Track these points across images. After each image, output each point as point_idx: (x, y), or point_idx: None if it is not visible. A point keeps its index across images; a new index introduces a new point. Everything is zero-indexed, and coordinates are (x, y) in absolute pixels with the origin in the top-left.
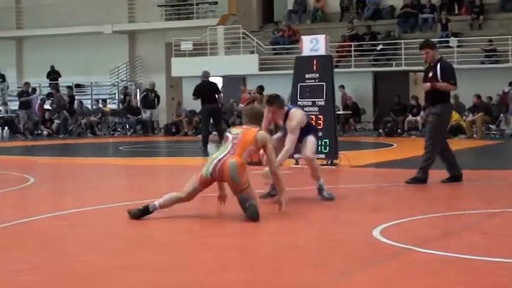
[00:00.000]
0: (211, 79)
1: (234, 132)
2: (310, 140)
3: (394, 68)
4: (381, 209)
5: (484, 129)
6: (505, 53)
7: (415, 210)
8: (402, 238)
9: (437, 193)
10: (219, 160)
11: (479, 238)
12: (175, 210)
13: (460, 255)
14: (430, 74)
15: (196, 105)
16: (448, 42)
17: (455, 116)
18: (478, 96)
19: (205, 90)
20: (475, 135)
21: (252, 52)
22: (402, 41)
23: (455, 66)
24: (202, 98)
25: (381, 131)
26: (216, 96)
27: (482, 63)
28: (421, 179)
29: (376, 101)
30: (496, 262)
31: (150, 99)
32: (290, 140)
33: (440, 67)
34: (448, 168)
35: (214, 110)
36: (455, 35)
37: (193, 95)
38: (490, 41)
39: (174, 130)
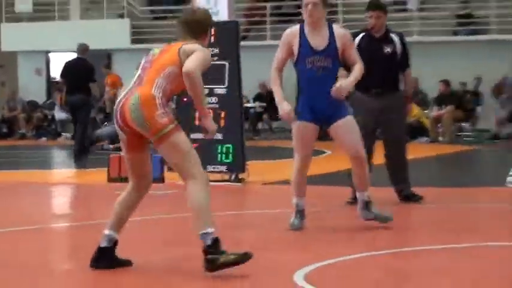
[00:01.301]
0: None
1: (150, 53)
2: (350, 122)
3: None
4: (307, 244)
5: (453, 129)
6: (484, 19)
7: (353, 246)
8: (336, 285)
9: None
10: (119, 101)
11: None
12: None
13: None
14: (389, 50)
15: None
16: (404, 3)
17: (414, 110)
18: (447, 83)
19: (70, 72)
20: (440, 138)
21: (121, 16)
22: None
23: (415, 38)
24: (67, 84)
25: None
26: (89, 83)
27: (455, 34)
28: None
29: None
30: None
31: None
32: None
33: (400, 40)
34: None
35: (78, 103)
36: None
37: (60, 76)
38: (464, 1)
39: (5, 131)
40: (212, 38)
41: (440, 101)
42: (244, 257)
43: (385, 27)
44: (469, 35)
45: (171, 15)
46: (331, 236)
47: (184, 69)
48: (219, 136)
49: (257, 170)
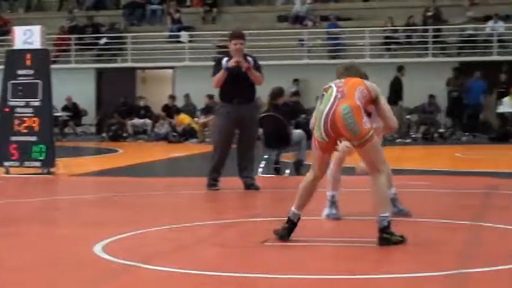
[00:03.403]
0: None
1: (333, 83)
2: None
3: (119, 65)
4: (103, 222)
5: None
6: None
7: (143, 223)
8: (127, 254)
9: (170, 203)
10: (328, 111)
11: (212, 251)
12: None
13: (186, 271)
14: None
15: None
16: (179, 36)
17: (186, 119)
18: (211, 97)
19: None
20: (207, 139)
21: None
22: (129, 34)
23: (187, 63)
24: None
25: (104, 135)
26: None
27: (214, 60)
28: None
29: (99, 101)
30: (220, 276)
31: None
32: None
33: (252, 58)
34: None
35: None
36: (187, 28)
37: None
38: (224, 35)
39: None
40: (28, 61)
41: (207, 110)
42: (403, 239)
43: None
44: None
45: None
46: (125, 215)
47: None
48: (34, 138)
49: (64, 165)
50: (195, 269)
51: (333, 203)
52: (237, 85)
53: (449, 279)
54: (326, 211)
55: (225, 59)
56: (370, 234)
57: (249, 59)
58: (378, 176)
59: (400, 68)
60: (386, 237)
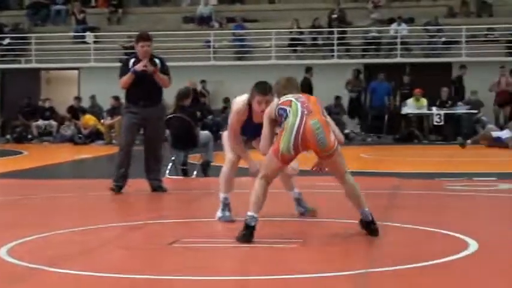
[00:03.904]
0: None
1: (294, 98)
2: None
3: (23, 65)
4: (8, 224)
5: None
6: None
7: (49, 225)
8: (33, 257)
9: (76, 205)
10: (298, 127)
11: (118, 253)
12: None
13: (93, 273)
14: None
15: None
16: (84, 37)
17: (91, 120)
18: (117, 98)
19: None
20: (114, 141)
21: None
22: (33, 34)
23: (92, 64)
24: None
25: (8, 136)
26: None
27: (121, 61)
28: None
29: (2, 102)
30: (129, 278)
31: None
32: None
33: (160, 60)
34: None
35: None
36: (92, 29)
37: None
38: (129, 36)
39: None
40: None
41: (113, 112)
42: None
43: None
44: None
45: None
46: (30, 218)
47: None
48: None
49: None
50: (101, 272)
51: (226, 205)
52: (144, 87)
53: (356, 278)
54: (219, 213)
55: (132, 60)
56: (275, 234)
57: (157, 61)
58: (347, 179)
59: (308, 69)
60: (376, 228)
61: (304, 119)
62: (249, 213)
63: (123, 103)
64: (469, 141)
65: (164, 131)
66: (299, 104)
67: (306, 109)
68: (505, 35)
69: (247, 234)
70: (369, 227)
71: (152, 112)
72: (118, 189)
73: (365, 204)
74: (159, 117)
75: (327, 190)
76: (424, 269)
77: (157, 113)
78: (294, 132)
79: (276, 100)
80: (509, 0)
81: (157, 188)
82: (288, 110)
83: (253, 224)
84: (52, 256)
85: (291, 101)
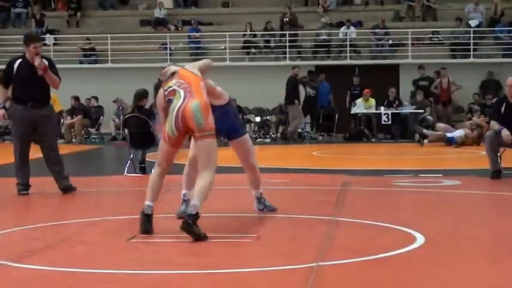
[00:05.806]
0: None
1: (176, 87)
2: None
3: None
4: None
5: (83, 133)
6: (104, 52)
7: (6, 222)
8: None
9: (32, 202)
10: (179, 107)
11: (79, 249)
12: None
13: (60, 269)
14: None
15: None
16: (43, 39)
17: None
18: (77, 98)
19: None
20: (74, 140)
21: None
22: None
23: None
24: None
25: None
26: None
27: (81, 62)
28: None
29: None
30: (96, 273)
31: None
32: None
33: (47, 61)
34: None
35: None
36: (51, 32)
37: None
38: (88, 39)
39: None
40: None
41: (72, 111)
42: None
43: None
44: (91, 63)
45: None
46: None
47: None
48: None
49: None
50: (66, 267)
51: (185, 201)
52: (32, 88)
53: (307, 272)
54: (180, 209)
55: (18, 61)
56: (232, 229)
57: (45, 61)
58: (209, 171)
59: (294, 67)
60: (189, 223)
61: (186, 100)
62: (146, 203)
63: (83, 103)
64: (425, 140)
65: (56, 131)
66: (181, 91)
67: (188, 93)
68: (448, 38)
69: (143, 222)
70: (184, 221)
71: (40, 112)
72: (22, 191)
73: (200, 202)
74: (48, 117)
75: (283, 187)
76: (374, 262)
77: (45, 112)
78: (175, 113)
79: (161, 91)
80: (453, 5)
81: (67, 188)
82: (172, 100)
83: (150, 212)
84: (15, 252)
85: (174, 90)
